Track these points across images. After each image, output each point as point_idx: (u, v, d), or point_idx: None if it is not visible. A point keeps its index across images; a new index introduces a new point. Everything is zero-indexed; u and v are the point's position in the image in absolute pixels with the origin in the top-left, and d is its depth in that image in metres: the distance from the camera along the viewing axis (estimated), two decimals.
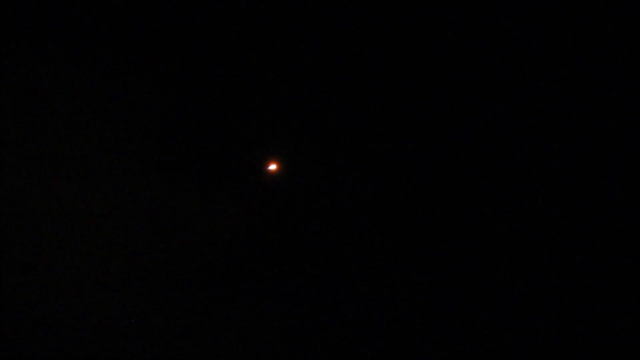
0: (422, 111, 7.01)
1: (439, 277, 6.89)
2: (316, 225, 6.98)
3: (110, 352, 6.59)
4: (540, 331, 6.63)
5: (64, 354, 6.52)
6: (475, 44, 6.92)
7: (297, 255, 6.97)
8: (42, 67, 6.73)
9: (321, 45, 6.93)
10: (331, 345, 6.79)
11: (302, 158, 6.98)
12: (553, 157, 6.89)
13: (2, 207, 6.56)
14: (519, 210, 6.88)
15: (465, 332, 6.73)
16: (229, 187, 6.94)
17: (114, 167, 6.81)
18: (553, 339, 6.60)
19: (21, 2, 6.67)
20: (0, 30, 6.62)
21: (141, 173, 6.84)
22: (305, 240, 6.96)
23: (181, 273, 6.83)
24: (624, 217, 6.70)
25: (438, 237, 6.95)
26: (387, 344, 6.78)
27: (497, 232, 6.88)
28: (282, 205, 6.98)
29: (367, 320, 6.83)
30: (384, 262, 6.95)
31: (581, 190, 6.82)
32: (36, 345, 6.50)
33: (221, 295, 6.84)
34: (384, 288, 6.89)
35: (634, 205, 6.70)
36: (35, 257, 6.61)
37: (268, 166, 6.91)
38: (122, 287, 6.73)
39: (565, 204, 6.84)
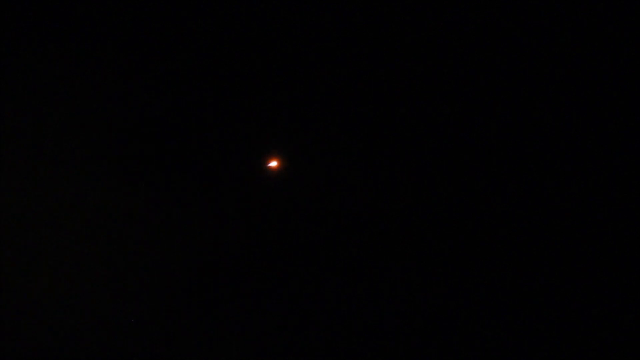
0: (422, 108, 6.99)
1: (438, 277, 6.87)
2: (317, 223, 6.96)
3: (110, 352, 6.59)
4: (540, 331, 6.63)
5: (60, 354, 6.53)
6: (475, 44, 6.91)
7: (298, 254, 6.95)
8: (38, 69, 6.73)
9: (321, 43, 6.91)
10: (331, 345, 6.78)
11: (303, 155, 6.93)
12: (553, 157, 6.88)
13: None
14: (519, 211, 6.87)
15: (465, 332, 6.72)
16: (229, 186, 6.91)
17: (114, 165, 6.80)
18: (553, 339, 6.60)
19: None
20: None
21: (140, 172, 6.83)
22: (306, 238, 6.94)
23: (181, 273, 6.82)
24: (624, 217, 6.70)
25: (438, 234, 6.93)
26: (387, 344, 6.77)
27: (497, 232, 6.86)
28: (284, 202, 6.94)
29: (367, 320, 6.82)
30: (384, 261, 6.94)
31: (581, 190, 6.82)
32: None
33: (221, 295, 6.83)
34: (383, 288, 6.88)
35: (634, 205, 6.70)
36: (34, 257, 6.62)
37: (269, 163, 6.89)
38: (123, 287, 6.72)
39: (565, 204, 6.83)
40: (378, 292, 6.86)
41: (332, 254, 6.93)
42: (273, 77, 6.91)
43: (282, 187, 6.89)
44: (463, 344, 6.67)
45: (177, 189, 6.86)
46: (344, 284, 6.88)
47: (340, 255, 6.93)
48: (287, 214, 6.93)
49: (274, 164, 6.87)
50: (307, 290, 6.86)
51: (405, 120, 6.97)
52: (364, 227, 6.95)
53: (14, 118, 6.67)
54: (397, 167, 6.97)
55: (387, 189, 6.98)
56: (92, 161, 6.78)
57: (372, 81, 6.97)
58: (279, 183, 6.88)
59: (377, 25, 6.90)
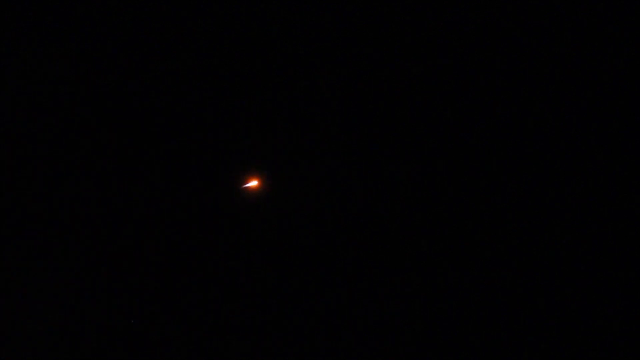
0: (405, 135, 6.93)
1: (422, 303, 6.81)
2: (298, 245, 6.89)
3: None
4: (540, 331, 6.62)
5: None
6: (473, 44, 6.85)
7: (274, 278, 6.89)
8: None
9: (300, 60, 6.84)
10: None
11: (284, 174, 6.88)
12: (553, 157, 6.83)
13: None
14: (518, 211, 6.85)
15: (465, 332, 6.71)
16: (208, 205, 6.84)
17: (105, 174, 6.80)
18: (553, 339, 6.60)
19: None
20: None
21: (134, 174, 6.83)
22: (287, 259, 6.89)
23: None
24: (624, 217, 6.65)
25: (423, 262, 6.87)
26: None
27: (495, 237, 6.84)
28: (265, 221, 6.88)
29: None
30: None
31: (581, 190, 6.78)
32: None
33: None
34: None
35: (634, 205, 6.66)
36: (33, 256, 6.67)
37: (248, 183, 6.82)
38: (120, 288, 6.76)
39: (565, 204, 6.80)
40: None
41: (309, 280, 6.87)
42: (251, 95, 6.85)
43: (262, 206, 6.79)
44: (463, 343, 6.66)
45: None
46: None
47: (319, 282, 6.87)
48: (267, 234, 6.85)
49: (253, 183, 6.80)
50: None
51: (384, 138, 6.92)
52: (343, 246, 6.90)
53: (13, 118, 6.69)
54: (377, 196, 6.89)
55: (367, 221, 6.90)
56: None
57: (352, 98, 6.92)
58: (258, 203, 6.78)
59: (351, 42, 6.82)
